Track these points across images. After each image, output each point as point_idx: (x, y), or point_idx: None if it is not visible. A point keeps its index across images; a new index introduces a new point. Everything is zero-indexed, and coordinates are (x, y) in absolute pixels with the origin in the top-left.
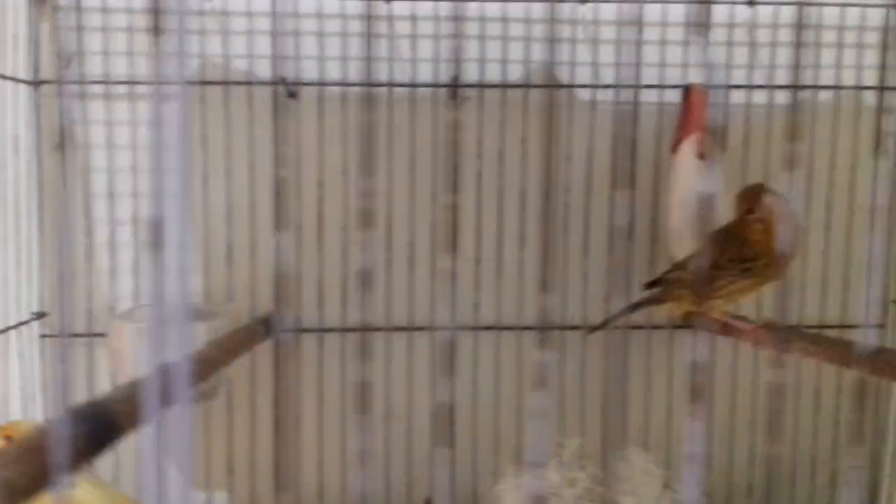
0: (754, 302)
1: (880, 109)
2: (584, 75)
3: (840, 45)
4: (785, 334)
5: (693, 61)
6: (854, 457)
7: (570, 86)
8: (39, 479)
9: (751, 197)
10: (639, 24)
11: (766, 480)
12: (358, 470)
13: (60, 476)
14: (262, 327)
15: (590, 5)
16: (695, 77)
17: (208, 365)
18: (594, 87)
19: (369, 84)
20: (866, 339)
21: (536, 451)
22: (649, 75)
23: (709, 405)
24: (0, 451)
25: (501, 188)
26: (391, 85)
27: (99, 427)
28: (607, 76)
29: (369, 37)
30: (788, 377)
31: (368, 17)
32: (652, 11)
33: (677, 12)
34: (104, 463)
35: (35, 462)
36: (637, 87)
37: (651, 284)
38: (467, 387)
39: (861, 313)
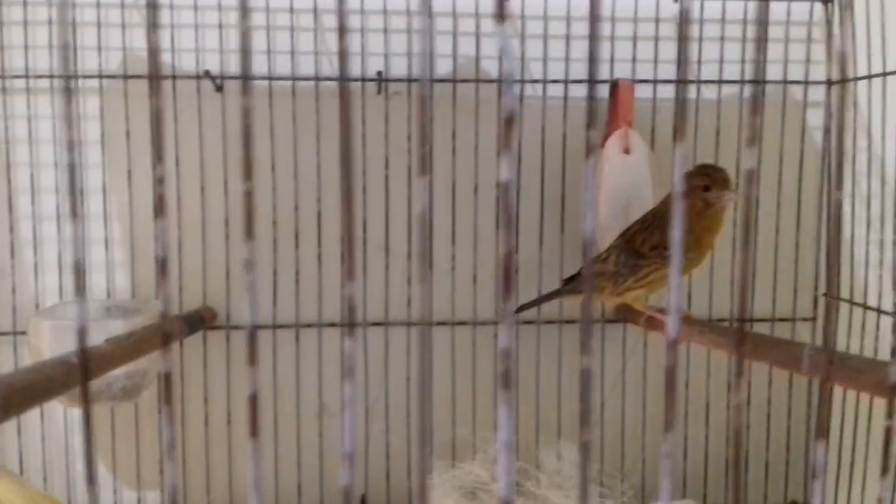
0: (686, 296)
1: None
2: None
3: (764, 40)
4: (699, 327)
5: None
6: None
7: (497, 80)
8: None
9: (714, 175)
10: (566, 18)
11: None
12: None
13: None
14: (182, 324)
15: (517, 0)
16: (621, 73)
17: (106, 362)
18: (522, 82)
19: (294, 78)
20: (794, 332)
21: (346, 440)
22: (577, 70)
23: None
24: None
25: (433, 181)
26: (318, 79)
27: None
28: (536, 71)
29: (293, 30)
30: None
31: (291, 11)
32: (578, 6)
33: (603, 6)
34: (34, 462)
35: None
36: (566, 81)
37: (571, 279)
38: (401, 383)
39: (790, 307)
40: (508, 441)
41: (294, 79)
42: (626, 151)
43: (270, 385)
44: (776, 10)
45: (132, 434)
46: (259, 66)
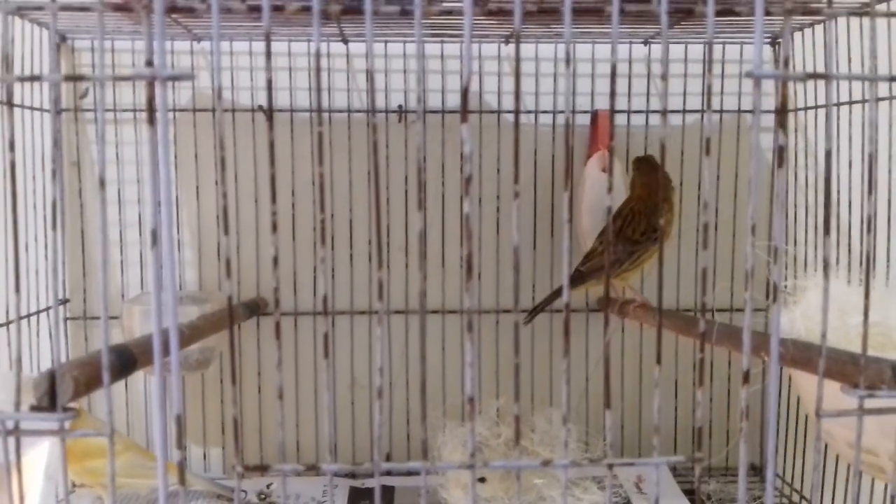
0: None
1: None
2: (509, 103)
3: (723, 76)
4: (653, 312)
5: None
6: None
7: (498, 111)
8: (96, 378)
9: (652, 162)
10: (554, 59)
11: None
12: (329, 427)
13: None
14: (244, 309)
15: (513, 45)
16: (600, 104)
17: (197, 332)
18: (517, 109)
19: (331, 111)
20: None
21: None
22: (563, 102)
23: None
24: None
25: (444, 194)
26: (350, 111)
27: (123, 358)
28: (529, 103)
29: (331, 71)
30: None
31: (329, 55)
32: (562, 49)
33: (585, 50)
34: (119, 426)
35: (92, 364)
36: (554, 112)
37: (574, 277)
38: (419, 360)
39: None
40: (471, 361)
41: (331, 111)
42: (605, 170)
43: (311, 363)
44: (732, 50)
45: (199, 400)
46: (303, 101)
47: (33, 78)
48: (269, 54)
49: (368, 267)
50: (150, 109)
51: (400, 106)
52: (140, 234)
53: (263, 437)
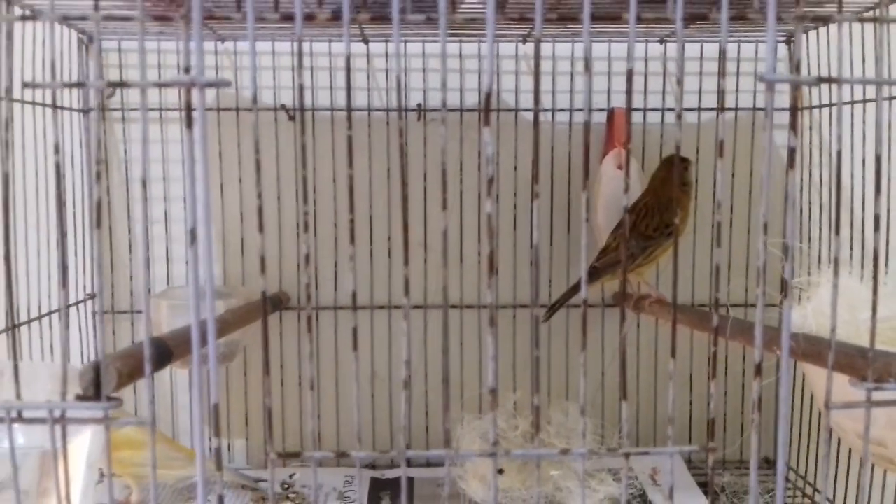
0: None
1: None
2: (526, 101)
3: (738, 74)
4: (668, 307)
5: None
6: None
7: (515, 109)
8: (137, 369)
9: (683, 160)
10: (571, 58)
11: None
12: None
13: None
14: (269, 304)
15: (530, 44)
16: (615, 102)
17: (225, 326)
18: (535, 110)
19: (352, 109)
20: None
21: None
22: (580, 99)
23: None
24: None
25: (462, 192)
26: (370, 110)
27: (160, 351)
28: (546, 101)
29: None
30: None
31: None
32: (578, 48)
33: (601, 48)
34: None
35: (134, 356)
36: (571, 110)
37: (591, 272)
38: (439, 354)
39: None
40: (493, 355)
41: (353, 109)
42: (620, 167)
43: (332, 357)
44: (747, 49)
45: (223, 393)
46: (323, 99)
47: (78, 84)
48: (300, 61)
49: (388, 263)
50: (189, 114)
51: (419, 105)
52: (166, 231)
53: (286, 430)
